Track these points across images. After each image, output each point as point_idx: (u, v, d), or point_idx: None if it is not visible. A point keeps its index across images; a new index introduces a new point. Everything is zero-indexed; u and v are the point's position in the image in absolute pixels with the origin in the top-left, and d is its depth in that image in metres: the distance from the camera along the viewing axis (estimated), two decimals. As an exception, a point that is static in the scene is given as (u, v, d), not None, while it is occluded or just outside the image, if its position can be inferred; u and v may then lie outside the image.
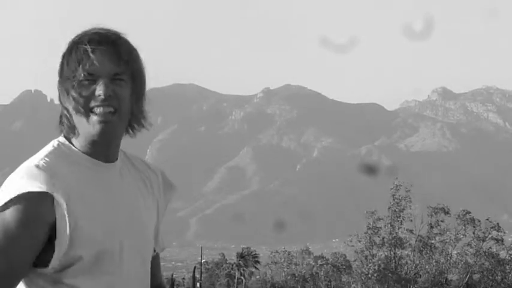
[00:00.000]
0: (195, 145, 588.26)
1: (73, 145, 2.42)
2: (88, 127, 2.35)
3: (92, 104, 2.32)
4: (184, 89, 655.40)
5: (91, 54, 2.32)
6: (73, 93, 2.34)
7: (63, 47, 2.44)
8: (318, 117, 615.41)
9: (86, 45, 2.35)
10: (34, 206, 2.26)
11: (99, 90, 2.31)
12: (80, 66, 2.33)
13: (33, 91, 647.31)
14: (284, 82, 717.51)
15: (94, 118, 2.33)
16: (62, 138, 2.44)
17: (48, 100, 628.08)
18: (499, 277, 55.87)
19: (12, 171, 2.29)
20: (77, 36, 2.42)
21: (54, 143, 2.43)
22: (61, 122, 2.41)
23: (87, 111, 2.33)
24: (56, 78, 2.39)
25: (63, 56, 2.39)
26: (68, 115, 2.36)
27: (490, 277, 55.76)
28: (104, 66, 2.33)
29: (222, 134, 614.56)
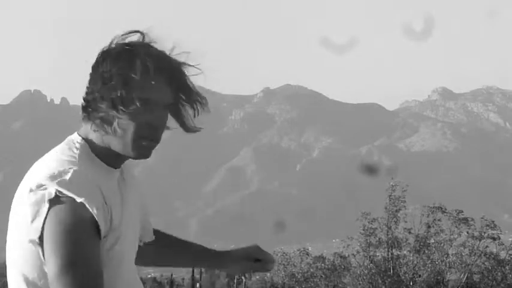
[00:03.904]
0: (195, 145, 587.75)
1: (92, 148, 2.42)
2: (125, 146, 2.37)
3: (145, 133, 2.36)
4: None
5: (150, 82, 2.29)
6: (123, 114, 2.31)
7: (109, 48, 2.37)
8: (318, 117, 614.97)
9: (149, 71, 2.30)
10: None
11: (154, 122, 2.36)
12: (139, 93, 2.31)
13: (32, 91, 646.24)
14: (284, 82, 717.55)
15: (140, 143, 2.37)
16: (81, 141, 2.43)
17: (48, 100, 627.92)
18: (499, 277, 55.66)
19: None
20: (135, 47, 2.35)
21: (75, 144, 2.42)
22: (94, 121, 2.37)
23: (137, 136, 2.35)
24: (97, 83, 2.34)
25: (110, 67, 2.33)
26: (106, 127, 2.34)
27: (490, 277, 55.52)
28: (161, 96, 2.33)
29: (222, 134, 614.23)
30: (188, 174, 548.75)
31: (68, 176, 2.26)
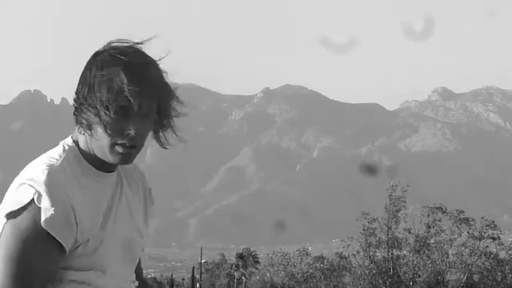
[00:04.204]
0: (195, 145, 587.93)
1: (81, 151, 2.48)
2: (107, 153, 2.42)
3: (119, 140, 2.38)
4: (184, 89, 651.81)
5: (128, 95, 2.34)
6: (101, 122, 2.35)
7: (92, 57, 2.42)
8: (318, 117, 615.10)
9: (123, 81, 2.34)
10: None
11: (131, 131, 2.37)
12: (115, 100, 2.34)
13: (32, 91, 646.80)
14: (284, 82, 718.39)
15: (116, 149, 2.40)
16: (71, 144, 2.50)
17: (48, 100, 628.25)
18: (499, 277, 55.65)
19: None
20: (109, 53, 2.40)
21: (64, 147, 2.48)
22: (80, 124, 2.43)
23: (113, 142, 2.38)
24: (83, 87, 2.39)
25: (95, 73, 2.38)
26: (89, 131, 2.40)
27: (490, 277, 55.52)
28: (138, 104, 2.35)
29: (222, 134, 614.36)
30: (188, 174, 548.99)
31: (38, 179, 2.35)
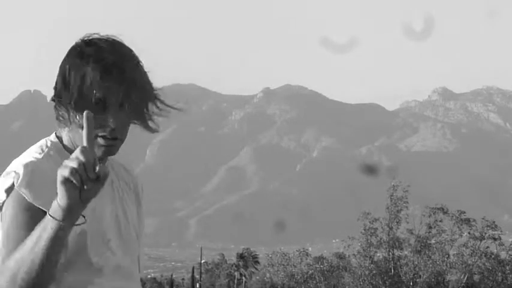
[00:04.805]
0: (195, 145, 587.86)
1: (65, 147, 2.48)
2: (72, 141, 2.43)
3: (100, 132, 2.37)
4: (184, 89, 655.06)
5: (102, 83, 2.34)
6: (79, 113, 2.36)
7: (66, 52, 2.42)
8: (318, 117, 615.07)
9: (95, 69, 2.35)
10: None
11: (110, 122, 2.36)
12: (91, 92, 2.34)
13: (32, 91, 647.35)
14: (284, 82, 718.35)
15: (98, 142, 2.38)
16: (54, 139, 2.50)
17: (48, 100, 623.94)
18: (500, 278, 55.55)
19: None
20: (81, 47, 2.40)
21: (46, 142, 2.50)
22: (59, 120, 2.43)
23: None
24: (59, 83, 2.39)
25: (69, 68, 2.39)
26: (69, 124, 2.40)
27: (491, 278, 55.43)
28: (113, 94, 2.35)
29: (222, 134, 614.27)
30: (188, 174, 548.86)
31: (22, 169, 2.36)
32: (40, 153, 2.43)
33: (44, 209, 2.27)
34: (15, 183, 2.33)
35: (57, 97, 2.39)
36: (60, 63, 2.42)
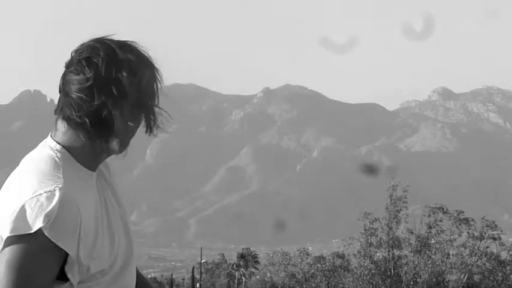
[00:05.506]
0: (195, 145, 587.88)
1: (71, 152, 2.35)
2: (113, 146, 2.32)
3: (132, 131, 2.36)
4: (184, 89, 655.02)
5: (154, 88, 2.39)
6: (121, 112, 2.30)
7: (102, 49, 2.36)
8: (318, 117, 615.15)
9: (158, 81, 2.39)
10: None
11: (137, 120, 2.36)
12: (152, 95, 2.37)
13: (32, 91, 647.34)
14: (284, 82, 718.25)
15: (127, 141, 2.36)
16: (57, 146, 2.35)
17: (48, 100, 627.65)
18: (500, 278, 55.54)
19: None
20: (130, 51, 2.36)
21: (55, 154, 2.33)
22: (77, 119, 2.29)
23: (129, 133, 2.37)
24: (114, 91, 2.28)
25: (132, 66, 2.34)
26: (101, 125, 2.28)
27: (491, 278, 55.42)
28: (150, 96, 2.42)
29: (222, 134, 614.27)
30: (188, 174, 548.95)
31: (51, 211, 2.19)
32: (58, 175, 2.27)
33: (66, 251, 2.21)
34: (43, 223, 2.18)
35: (89, 93, 2.26)
36: (79, 58, 2.36)
